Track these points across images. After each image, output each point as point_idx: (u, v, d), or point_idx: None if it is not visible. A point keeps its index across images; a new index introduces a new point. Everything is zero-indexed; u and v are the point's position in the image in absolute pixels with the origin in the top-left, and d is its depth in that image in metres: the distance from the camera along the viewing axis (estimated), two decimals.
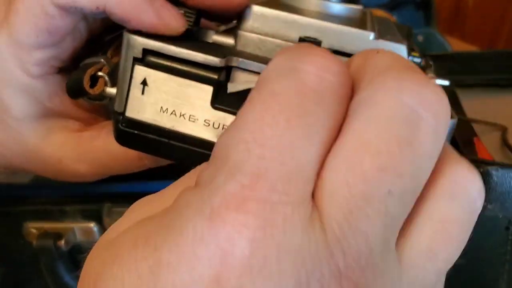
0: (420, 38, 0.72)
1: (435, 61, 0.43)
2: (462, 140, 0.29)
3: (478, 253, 0.32)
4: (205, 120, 0.23)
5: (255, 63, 0.22)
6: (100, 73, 0.25)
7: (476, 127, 0.33)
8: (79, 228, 0.36)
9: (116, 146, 0.26)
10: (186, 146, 0.23)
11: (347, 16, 0.27)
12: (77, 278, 0.37)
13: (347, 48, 0.24)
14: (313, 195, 0.15)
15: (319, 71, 0.16)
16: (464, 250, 0.32)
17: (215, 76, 0.22)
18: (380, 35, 0.24)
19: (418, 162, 0.15)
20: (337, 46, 0.24)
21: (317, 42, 0.22)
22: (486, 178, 0.21)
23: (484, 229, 0.32)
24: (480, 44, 1.00)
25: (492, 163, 0.21)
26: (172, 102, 0.23)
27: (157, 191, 0.34)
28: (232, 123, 0.16)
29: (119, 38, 0.25)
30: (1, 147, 0.31)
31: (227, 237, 0.14)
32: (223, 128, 0.22)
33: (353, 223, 0.14)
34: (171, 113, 0.23)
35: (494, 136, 0.32)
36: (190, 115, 0.23)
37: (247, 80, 0.23)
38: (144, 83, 0.23)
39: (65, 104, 0.30)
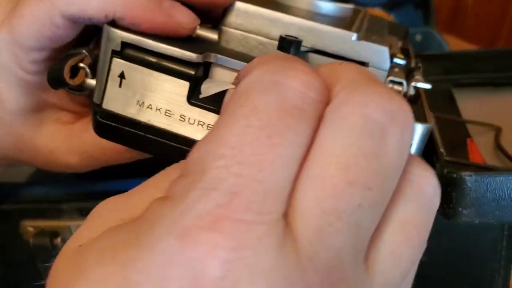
0: (418, 37, 0.72)
1: (431, 61, 0.43)
2: (455, 141, 0.28)
3: (474, 250, 0.33)
4: (180, 116, 0.23)
5: (234, 61, 0.22)
6: (81, 64, 0.25)
7: (471, 127, 0.33)
8: (76, 226, 0.36)
9: (106, 142, 0.26)
10: (162, 140, 0.23)
11: (336, 16, 0.27)
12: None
13: (329, 48, 0.24)
14: (286, 213, 0.15)
15: (302, 87, 0.15)
16: (460, 246, 0.32)
17: (192, 72, 0.22)
18: (364, 36, 0.24)
19: (386, 173, 0.15)
20: (319, 46, 0.24)
21: (297, 41, 0.22)
22: (460, 183, 0.21)
23: (479, 226, 0.32)
24: (479, 43, 1.00)
25: (467, 167, 0.21)
26: (148, 96, 0.23)
27: None
28: (210, 134, 0.15)
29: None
30: None
31: (198, 258, 0.13)
32: (198, 124, 0.22)
33: (325, 240, 0.14)
34: (147, 106, 0.23)
35: (488, 137, 0.31)
36: (166, 110, 0.23)
37: (224, 79, 0.23)
38: (122, 76, 0.23)
39: (59, 97, 0.30)
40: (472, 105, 0.37)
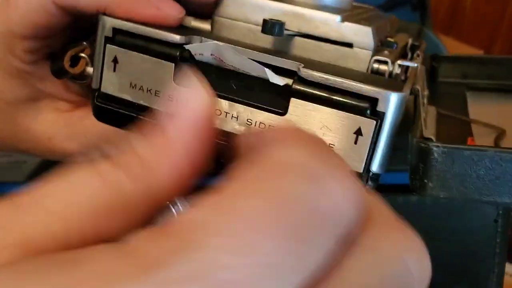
0: None
1: (450, 63, 0.43)
2: (455, 137, 0.29)
3: (468, 247, 0.33)
4: (169, 96, 0.23)
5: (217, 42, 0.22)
6: (81, 54, 0.26)
7: (475, 128, 0.32)
8: None
9: (105, 125, 0.27)
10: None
11: (336, 7, 0.27)
12: None
13: (313, 31, 0.24)
14: None
15: (344, 195, 0.12)
16: (455, 245, 0.32)
17: (176, 53, 0.23)
18: (349, 19, 0.24)
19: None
20: (304, 29, 0.24)
21: (280, 23, 0.22)
22: (427, 155, 0.21)
23: (473, 223, 0.32)
24: (477, 45, 1.00)
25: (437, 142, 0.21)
26: (140, 78, 0.24)
27: None
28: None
29: None
30: None
31: None
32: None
33: None
34: (139, 88, 0.24)
35: (490, 138, 0.31)
36: (155, 91, 0.23)
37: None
38: (115, 60, 0.24)
39: (56, 87, 0.30)
40: (483, 109, 0.37)
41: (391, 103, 0.20)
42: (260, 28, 0.23)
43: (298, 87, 0.21)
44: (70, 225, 0.13)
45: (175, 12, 0.25)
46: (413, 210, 0.32)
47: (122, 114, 0.24)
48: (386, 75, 0.23)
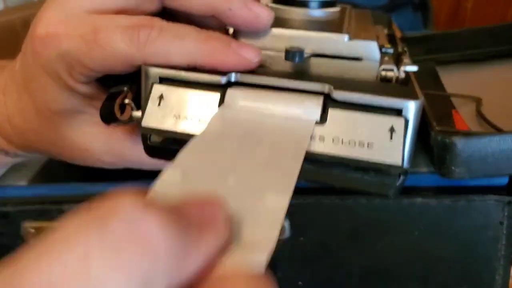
0: None
1: (415, 43, 0.48)
2: (442, 113, 0.31)
3: (473, 249, 0.33)
4: None
5: (250, 76, 0.26)
6: (126, 101, 0.28)
7: (454, 100, 0.36)
8: None
9: (142, 149, 0.29)
10: None
11: (327, 19, 0.31)
12: None
13: (326, 51, 0.28)
14: None
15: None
16: (460, 246, 0.32)
17: (218, 93, 0.25)
18: (354, 35, 0.28)
19: None
20: (318, 51, 0.28)
21: (300, 51, 0.26)
22: (452, 146, 0.25)
23: (478, 225, 0.32)
24: None
25: (456, 134, 0.25)
26: (186, 109, 0.26)
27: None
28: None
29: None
30: (34, 132, 0.32)
31: None
32: None
33: None
34: (184, 118, 0.26)
35: (470, 107, 0.35)
36: (199, 118, 0.26)
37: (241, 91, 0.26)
38: (161, 97, 0.26)
39: (98, 103, 0.30)
40: (455, 80, 0.41)
41: (413, 110, 0.23)
42: (278, 53, 0.28)
43: (333, 104, 0.24)
44: None
45: (254, 57, 0.27)
46: (418, 212, 0.32)
47: (174, 150, 0.25)
48: (394, 80, 0.27)
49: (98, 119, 0.30)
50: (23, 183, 0.39)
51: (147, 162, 0.31)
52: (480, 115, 0.33)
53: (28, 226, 0.37)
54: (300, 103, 0.24)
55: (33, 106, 0.30)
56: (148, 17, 0.27)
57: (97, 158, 0.32)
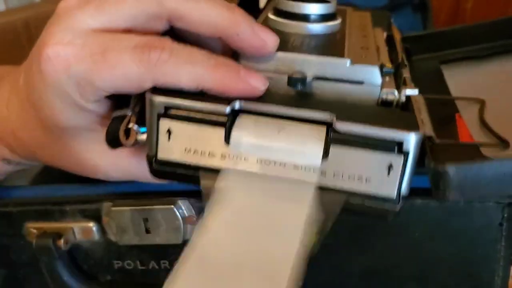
0: None
1: (418, 41, 0.48)
2: (444, 117, 0.31)
3: (472, 250, 0.33)
4: (221, 154, 0.27)
5: (254, 104, 0.27)
6: (130, 125, 0.29)
7: (458, 102, 0.36)
8: (79, 228, 0.36)
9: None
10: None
11: (327, 34, 0.32)
12: (76, 277, 0.37)
13: (328, 75, 0.28)
14: None
15: None
16: (459, 248, 0.32)
17: (225, 120, 0.26)
18: (355, 57, 0.29)
19: None
20: (319, 74, 0.28)
21: (303, 78, 0.28)
22: (444, 174, 0.25)
23: (477, 226, 0.32)
24: None
25: (449, 161, 0.25)
26: (193, 143, 0.27)
27: (157, 191, 0.35)
28: None
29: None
30: (40, 146, 0.32)
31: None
32: (236, 158, 0.27)
33: None
34: (194, 152, 0.27)
35: (474, 110, 0.34)
36: (209, 152, 0.27)
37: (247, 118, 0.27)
38: (169, 131, 0.27)
39: (109, 119, 0.30)
40: (459, 79, 0.41)
41: (413, 143, 0.25)
42: (279, 76, 0.28)
43: (336, 136, 0.25)
44: None
45: (261, 85, 0.27)
46: (418, 213, 0.32)
47: (178, 174, 0.28)
48: (394, 103, 0.28)
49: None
50: (24, 183, 0.39)
51: (152, 178, 0.32)
52: (483, 123, 0.33)
53: (30, 226, 0.37)
54: (303, 145, 0.25)
55: (39, 121, 0.30)
56: (158, 38, 0.27)
57: (104, 173, 0.32)
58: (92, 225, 0.36)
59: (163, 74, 0.26)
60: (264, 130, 0.26)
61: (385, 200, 0.26)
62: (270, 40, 0.28)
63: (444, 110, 0.28)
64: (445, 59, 0.45)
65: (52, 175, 0.38)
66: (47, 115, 0.30)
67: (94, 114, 0.30)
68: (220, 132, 0.26)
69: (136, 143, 0.29)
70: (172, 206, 0.34)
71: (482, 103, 0.35)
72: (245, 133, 0.26)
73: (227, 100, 0.27)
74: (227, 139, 0.26)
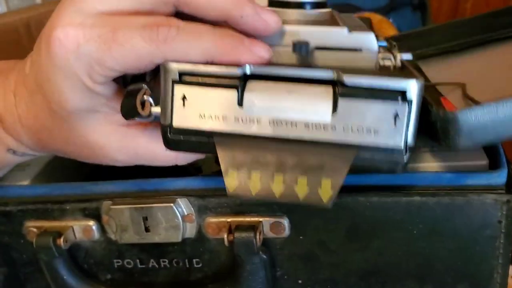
0: None
1: (395, 42, 0.48)
2: (432, 100, 0.32)
3: (471, 248, 0.33)
4: (234, 117, 0.28)
5: (262, 67, 0.28)
6: (145, 97, 0.29)
7: (440, 89, 0.38)
8: (79, 227, 0.37)
9: (157, 145, 0.31)
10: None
11: (320, 19, 0.33)
12: (76, 276, 0.37)
13: (328, 44, 0.30)
14: None
15: None
16: (458, 245, 0.32)
17: (237, 83, 0.27)
18: (351, 28, 0.30)
19: None
20: (320, 44, 0.30)
21: (306, 43, 0.28)
22: (453, 118, 0.28)
23: (476, 224, 0.32)
24: None
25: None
26: (208, 108, 0.28)
27: (156, 190, 0.35)
28: None
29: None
30: (47, 131, 0.32)
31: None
32: (249, 121, 0.28)
33: None
34: (208, 117, 0.28)
35: (455, 94, 0.37)
36: (222, 116, 0.28)
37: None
38: (184, 98, 0.28)
39: (117, 103, 0.31)
40: (436, 71, 0.44)
41: (416, 90, 0.26)
42: (283, 48, 0.29)
43: (343, 90, 0.26)
44: None
45: (265, 53, 0.28)
46: (416, 211, 0.32)
47: (195, 142, 0.29)
48: (392, 68, 0.29)
49: (113, 118, 0.31)
50: (25, 182, 0.39)
51: (160, 158, 0.32)
52: (468, 97, 0.36)
53: (30, 225, 0.37)
54: (312, 102, 0.27)
55: (47, 106, 0.31)
56: (164, 17, 0.28)
57: (111, 156, 0.32)
58: (92, 223, 0.36)
59: (172, 50, 0.27)
60: (274, 91, 0.27)
61: (393, 151, 0.27)
62: (272, 20, 0.29)
63: (430, 96, 0.29)
64: (421, 55, 0.48)
65: (52, 174, 0.38)
66: (54, 97, 0.30)
67: (101, 96, 0.30)
68: (233, 95, 0.27)
69: (150, 115, 0.29)
70: (172, 204, 0.34)
71: (463, 86, 0.37)
72: (257, 95, 0.27)
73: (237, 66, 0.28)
74: (240, 102, 0.27)
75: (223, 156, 0.28)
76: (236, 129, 0.28)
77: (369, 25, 0.42)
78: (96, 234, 0.37)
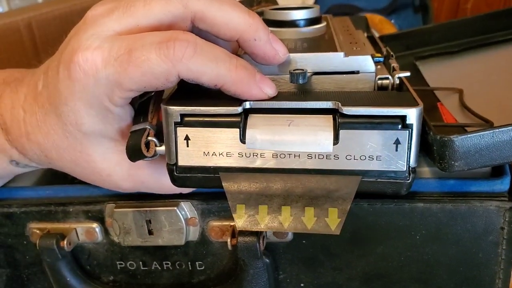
0: None
1: (394, 40, 0.52)
2: (428, 106, 0.33)
3: (474, 254, 0.33)
4: (238, 153, 0.28)
5: (264, 103, 0.28)
6: (149, 138, 0.30)
7: (438, 93, 0.39)
8: (82, 229, 0.37)
9: (162, 176, 0.32)
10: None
11: (315, 35, 0.35)
12: (79, 277, 0.37)
13: (326, 69, 0.30)
14: None
15: None
16: (460, 250, 0.33)
17: (238, 120, 0.28)
18: (347, 50, 0.31)
19: None
20: (317, 69, 0.30)
21: (303, 72, 0.29)
22: (450, 144, 0.28)
23: (479, 230, 0.32)
24: None
25: (453, 129, 0.28)
26: (211, 146, 0.28)
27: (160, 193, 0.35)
28: None
29: (149, 102, 0.32)
30: (57, 150, 0.32)
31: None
32: (252, 155, 0.28)
33: None
34: (212, 154, 0.29)
35: (453, 98, 0.37)
36: (226, 153, 0.28)
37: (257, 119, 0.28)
38: (187, 138, 0.28)
39: (128, 128, 0.31)
40: (434, 73, 0.44)
41: (416, 116, 0.26)
42: (281, 76, 0.30)
43: (343, 121, 0.27)
44: None
45: (272, 91, 0.29)
46: (420, 216, 0.33)
47: (199, 178, 0.29)
48: (390, 87, 0.30)
49: (123, 147, 0.31)
50: (28, 184, 0.39)
51: (165, 188, 0.33)
52: (464, 106, 0.36)
53: (33, 227, 0.37)
54: (314, 134, 0.27)
55: (61, 127, 0.31)
56: (181, 31, 0.28)
57: (117, 184, 0.33)
58: (95, 226, 0.36)
59: (187, 69, 0.27)
60: (275, 125, 0.27)
61: (396, 174, 0.27)
62: (282, 52, 0.29)
63: (426, 100, 0.29)
64: (420, 55, 0.49)
65: (56, 176, 0.38)
66: (71, 120, 0.30)
67: (119, 120, 0.30)
68: (235, 132, 0.28)
69: (155, 155, 0.30)
70: (175, 208, 0.35)
71: (460, 92, 0.38)
72: (258, 130, 0.27)
73: (238, 102, 0.28)
74: (242, 138, 0.28)
75: (230, 191, 0.29)
76: (241, 164, 0.28)
77: (365, 25, 0.44)
78: (99, 236, 0.37)
